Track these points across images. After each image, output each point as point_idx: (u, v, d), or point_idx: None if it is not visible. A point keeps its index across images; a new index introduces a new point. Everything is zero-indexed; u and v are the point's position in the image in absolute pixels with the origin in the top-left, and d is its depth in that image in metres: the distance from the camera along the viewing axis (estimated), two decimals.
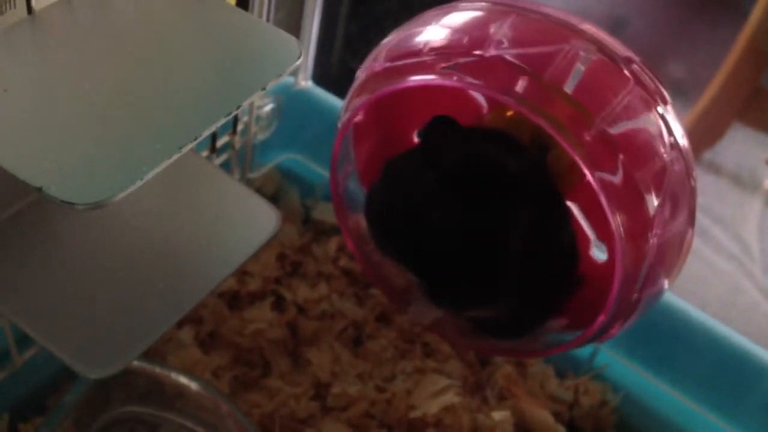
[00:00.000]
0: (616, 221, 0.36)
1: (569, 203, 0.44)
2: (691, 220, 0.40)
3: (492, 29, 0.37)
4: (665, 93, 0.39)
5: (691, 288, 0.79)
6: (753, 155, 0.97)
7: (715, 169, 0.95)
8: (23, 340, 0.43)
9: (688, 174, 0.39)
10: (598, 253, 0.45)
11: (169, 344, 0.51)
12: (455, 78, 0.37)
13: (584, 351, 0.53)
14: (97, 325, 0.39)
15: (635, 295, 0.38)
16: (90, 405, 0.45)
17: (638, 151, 0.37)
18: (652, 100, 0.38)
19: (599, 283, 0.45)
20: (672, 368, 0.52)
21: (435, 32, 0.40)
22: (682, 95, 1.00)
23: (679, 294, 0.51)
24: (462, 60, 0.37)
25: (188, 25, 0.38)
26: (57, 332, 0.38)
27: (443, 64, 0.37)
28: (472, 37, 0.38)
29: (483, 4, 0.40)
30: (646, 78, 0.38)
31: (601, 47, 0.38)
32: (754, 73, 0.97)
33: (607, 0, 1.09)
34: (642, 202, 0.36)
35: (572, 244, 0.42)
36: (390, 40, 0.42)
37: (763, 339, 0.51)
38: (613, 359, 0.53)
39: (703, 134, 0.99)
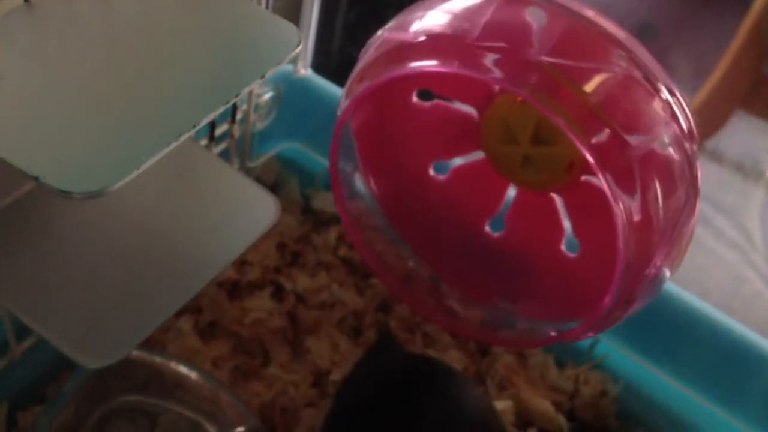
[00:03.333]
0: (619, 209, 0.35)
1: (555, 196, 0.45)
2: (694, 208, 0.39)
3: (534, 30, 0.36)
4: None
5: (693, 277, 0.79)
6: (756, 144, 0.97)
7: (717, 157, 0.95)
8: (22, 330, 0.43)
9: (691, 162, 0.38)
10: (568, 250, 0.46)
11: (168, 334, 0.51)
12: (456, 65, 0.37)
13: (584, 341, 0.53)
14: (96, 314, 0.39)
15: (636, 284, 0.38)
16: (89, 394, 0.45)
17: (641, 134, 0.36)
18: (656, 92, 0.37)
19: (570, 276, 0.46)
20: (673, 358, 0.52)
21: (437, 18, 0.39)
22: (685, 84, 0.99)
23: (680, 283, 0.51)
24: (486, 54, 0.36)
25: (186, 13, 0.38)
26: (56, 322, 0.38)
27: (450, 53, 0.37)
28: (487, 27, 0.37)
29: None
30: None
31: (646, 75, 0.37)
32: (757, 61, 0.97)
33: None
34: (645, 192, 0.36)
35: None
36: (391, 26, 0.42)
37: (766, 329, 0.51)
38: (613, 349, 0.53)
39: (706, 123, 0.98)
